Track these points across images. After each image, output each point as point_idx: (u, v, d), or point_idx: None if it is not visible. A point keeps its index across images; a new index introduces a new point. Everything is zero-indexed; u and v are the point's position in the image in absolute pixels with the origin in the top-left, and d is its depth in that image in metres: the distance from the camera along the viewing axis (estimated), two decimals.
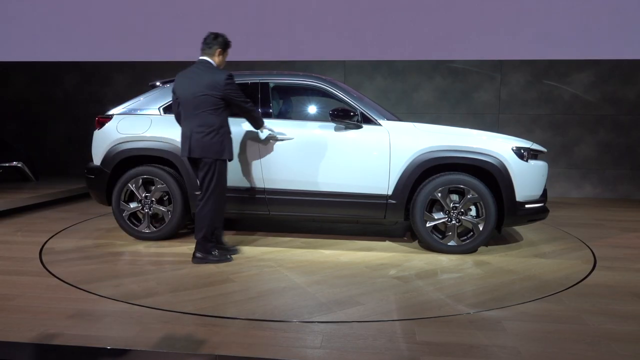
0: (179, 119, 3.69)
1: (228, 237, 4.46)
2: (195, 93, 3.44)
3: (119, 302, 2.83)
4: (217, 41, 3.55)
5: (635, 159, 7.32)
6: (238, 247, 3.97)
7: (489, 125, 7.45)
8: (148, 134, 4.24)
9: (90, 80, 8.38)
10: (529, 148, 3.97)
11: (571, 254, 4.01)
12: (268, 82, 4.25)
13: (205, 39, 3.57)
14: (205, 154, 3.45)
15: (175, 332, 2.42)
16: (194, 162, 3.59)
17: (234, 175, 4.05)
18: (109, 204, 4.38)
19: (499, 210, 3.90)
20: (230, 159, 3.61)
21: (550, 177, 6.63)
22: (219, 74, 3.44)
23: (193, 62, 3.62)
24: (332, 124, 3.99)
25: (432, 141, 3.95)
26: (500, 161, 3.86)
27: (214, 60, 3.56)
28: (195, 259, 3.62)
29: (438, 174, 3.94)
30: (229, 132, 3.56)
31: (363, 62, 7.69)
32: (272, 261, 3.71)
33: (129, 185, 4.25)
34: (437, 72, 7.61)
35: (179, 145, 4.13)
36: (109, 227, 4.86)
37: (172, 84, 4.47)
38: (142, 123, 4.28)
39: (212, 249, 3.65)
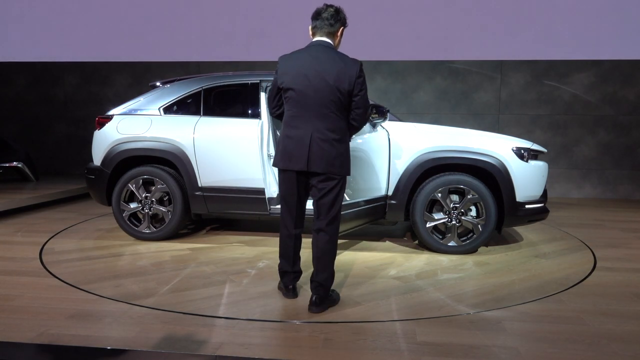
0: (280, 116, 2.83)
1: (228, 237, 4.47)
2: (323, 88, 2.58)
3: (119, 303, 2.83)
4: (341, 18, 2.72)
5: (635, 159, 7.32)
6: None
7: (489, 126, 7.45)
8: (148, 134, 4.24)
9: (90, 80, 8.38)
10: (529, 148, 3.97)
11: (571, 254, 4.01)
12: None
13: (322, 14, 2.68)
14: (331, 169, 2.62)
15: (175, 332, 2.42)
16: (300, 177, 2.70)
17: (234, 175, 4.05)
18: (109, 204, 4.38)
19: (499, 210, 3.90)
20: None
21: (551, 178, 6.64)
22: (353, 64, 2.65)
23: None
24: None
25: (432, 141, 3.95)
26: (501, 161, 3.86)
27: (334, 42, 2.73)
28: (317, 308, 2.71)
29: (438, 175, 3.94)
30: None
31: (363, 62, 7.67)
32: (272, 261, 3.70)
33: (129, 185, 4.25)
34: (437, 73, 7.61)
35: (179, 145, 4.16)
36: (109, 227, 4.86)
37: (172, 84, 4.49)
38: (142, 123, 4.28)
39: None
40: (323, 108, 2.59)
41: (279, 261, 2.95)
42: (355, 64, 2.64)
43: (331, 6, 2.72)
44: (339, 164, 2.63)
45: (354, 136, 3.53)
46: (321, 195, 2.67)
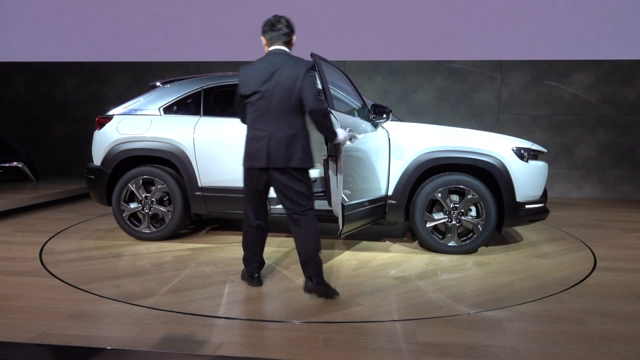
0: (244, 120, 3.09)
1: (228, 237, 4.47)
2: (282, 92, 2.82)
3: (119, 303, 2.83)
4: (292, 26, 2.96)
5: (635, 159, 7.32)
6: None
7: (489, 126, 7.45)
8: (148, 134, 4.24)
9: (90, 80, 8.38)
10: (529, 148, 3.97)
11: (571, 254, 4.01)
12: None
13: (276, 26, 2.91)
14: (290, 163, 2.85)
15: (175, 332, 2.42)
16: (262, 173, 2.97)
17: (234, 175, 4.04)
18: (109, 204, 4.38)
19: (499, 210, 3.90)
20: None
21: (551, 178, 6.63)
22: (304, 65, 2.84)
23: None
24: None
25: (432, 141, 3.95)
26: (501, 161, 3.86)
27: (290, 49, 2.98)
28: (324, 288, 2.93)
29: (438, 175, 3.94)
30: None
31: (363, 62, 7.69)
32: (272, 261, 3.71)
33: (129, 185, 4.25)
34: (437, 73, 7.61)
35: (179, 145, 4.16)
36: (109, 227, 4.86)
37: (172, 84, 4.49)
38: (142, 123, 4.28)
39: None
40: (281, 109, 2.83)
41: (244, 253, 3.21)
42: (305, 64, 2.85)
43: (282, 17, 2.96)
44: (298, 158, 2.84)
45: (356, 136, 3.53)
46: (286, 189, 2.91)
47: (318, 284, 2.90)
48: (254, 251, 3.17)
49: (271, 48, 2.95)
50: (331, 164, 3.34)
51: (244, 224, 3.19)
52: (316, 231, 2.93)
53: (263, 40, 2.99)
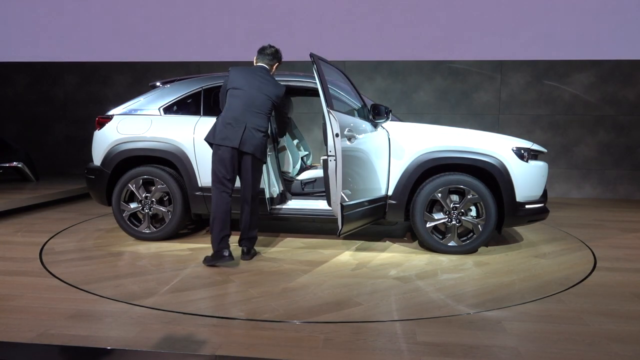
0: (223, 107, 3.69)
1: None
2: (256, 92, 3.54)
3: (119, 303, 2.83)
4: (278, 57, 3.74)
5: (636, 160, 7.32)
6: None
7: (489, 126, 7.45)
8: (148, 134, 4.24)
9: (90, 80, 8.38)
10: (529, 148, 3.97)
11: (571, 255, 4.01)
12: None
13: (265, 51, 3.70)
14: (256, 151, 3.52)
15: (175, 332, 2.42)
16: (233, 153, 3.51)
17: None
18: (109, 204, 4.38)
19: (499, 210, 3.90)
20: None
21: (551, 178, 6.63)
22: (279, 87, 3.65)
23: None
24: None
25: (432, 141, 3.95)
26: (501, 161, 3.86)
27: (271, 71, 3.73)
28: (248, 256, 3.75)
29: (438, 175, 3.94)
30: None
31: (363, 62, 7.69)
32: (272, 261, 3.71)
33: (129, 185, 4.25)
34: (437, 73, 7.61)
35: (179, 145, 4.16)
36: (109, 227, 4.86)
37: (172, 84, 4.50)
38: (143, 123, 4.28)
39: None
40: (255, 108, 3.53)
41: (219, 237, 3.55)
42: (281, 88, 3.67)
43: (272, 47, 3.75)
44: (261, 151, 3.56)
45: (355, 136, 3.58)
46: (247, 173, 3.57)
47: (248, 252, 3.73)
48: (227, 223, 3.57)
49: (259, 64, 3.72)
50: (330, 164, 3.35)
51: (217, 203, 3.57)
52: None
53: (256, 57, 3.75)
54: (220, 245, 3.51)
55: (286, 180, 4.41)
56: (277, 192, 4.18)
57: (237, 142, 3.44)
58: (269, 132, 3.75)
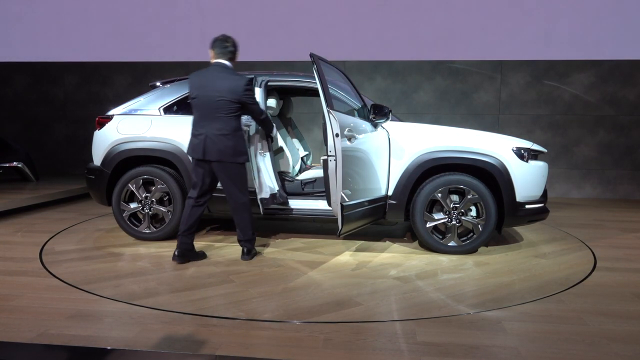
0: None
1: (228, 237, 4.47)
2: (214, 96, 3.40)
3: (119, 303, 2.83)
4: (234, 44, 3.54)
5: (636, 160, 7.32)
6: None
7: (489, 126, 7.45)
8: (148, 135, 4.24)
9: (90, 80, 8.38)
10: (529, 148, 3.97)
11: (571, 255, 4.01)
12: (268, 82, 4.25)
13: (218, 42, 3.50)
14: (222, 156, 3.44)
15: (175, 332, 2.42)
16: (203, 164, 3.52)
17: None
18: (109, 204, 4.38)
19: (499, 210, 3.90)
20: (245, 162, 3.58)
21: (551, 178, 6.63)
22: (238, 80, 3.42)
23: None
24: None
25: (432, 141, 3.95)
26: (501, 161, 3.86)
27: (231, 63, 3.54)
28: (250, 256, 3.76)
29: (438, 175, 3.94)
30: (243, 136, 3.57)
31: (363, 62, 7.69)
32: (272, 261, 3.71)
33: (129, 185, 4.25)
34: (437, 73, 7.61)
35: (179, 145, 4.16)
36: (109, 227, 4.86)
37: (172, 84, 4.50)
38: (143, 123, 4.28)
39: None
40: (215, 112, 3.42)
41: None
42: (240, 80, 3.42)
43: (229, 37, 3.53)
44: (230, 153, 3.44)
45: (355, 136, 3.56)
46: (223, 180, 3.53)
47: (248, 253, 3.75)
48: (186, 224, 3.62)
49: (215, 61, 3.51)
50: (330, 164, 3.35)
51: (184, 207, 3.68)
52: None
53: (210, 53, 3.53)
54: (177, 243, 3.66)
55: (286, 180, 4.41)
56: (271, 192, 4.01)
57: (200, 153, 3.45)
58: (243, 130, 3.61)
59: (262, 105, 4.06)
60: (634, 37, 7.07)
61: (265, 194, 3.99)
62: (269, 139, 4.04)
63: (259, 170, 3.96)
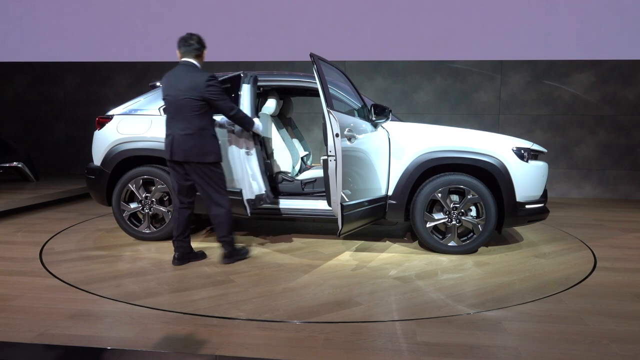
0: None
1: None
2: (178, 96, 3.35)
3: (119, 303, 2.83)
4: (203, 43, 3.50)
5: (636, 160, 7.32)
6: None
7: (489, 126, 7.45)
8: (148, 135, 4.24)
9: (90, 80, 8.38)
10: (529, 148, 3.97)
11: (571, 255, 4.01)
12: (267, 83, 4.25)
13: (185, 40, 3.45)
14: (189, 157, 3.38)
15: (175, 332, 2.42)
16: (175, 165, 3.49)
17: (227, 175, 4.04)
18: (109, 204, 4.38)
19: (499, 210, 3.90)
20: (218, 161, 3.48)
21: (551, 178, 6.64)
22: (200, 76, 3.34)
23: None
24: None
25: (432, 141, 3.95)
26: (501, 161, 3.86)
27: (197, 62, 3.49)
28: (228, 260, 3.66)
29: (438, 175, 3.94)
30: (213, 135, 3.46)
31: (363, 62, 7.69)
32: (272, 261, 3.71)
33: (129, 185, 4.25)
34: (437, 73, 7.61)
35: None
36: (109, 227, 4.86)
37: None
38: (143, 123, 4.28)
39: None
40: (180, 111, 3.37)
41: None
42: (201, 76, 3.34)
43: (194, 35, 3.48)
44: (196, 153, 3.37)
45: (355, 136, 3.55)
46: (195, 181, 3.49)
47: (228, 256, 3.66)
48: (178, 228, 3.61)
49: (182, 59, 3.48)
50: (330, 164, 3.34)
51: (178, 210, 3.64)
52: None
53: (177, 53, 3.50)
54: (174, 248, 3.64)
55: (286, 180, 4.41)
56: (257, 192, 3.87)
57: (168, 154, 3.43)
58: (213, 129, 3.46)
59: (251, 102, 3.91)
60: (634, 37, 7.07)
61: (251, 194, 3.86)
62: (257, 137, 3.84)
63: (244, 171, 3.85)
